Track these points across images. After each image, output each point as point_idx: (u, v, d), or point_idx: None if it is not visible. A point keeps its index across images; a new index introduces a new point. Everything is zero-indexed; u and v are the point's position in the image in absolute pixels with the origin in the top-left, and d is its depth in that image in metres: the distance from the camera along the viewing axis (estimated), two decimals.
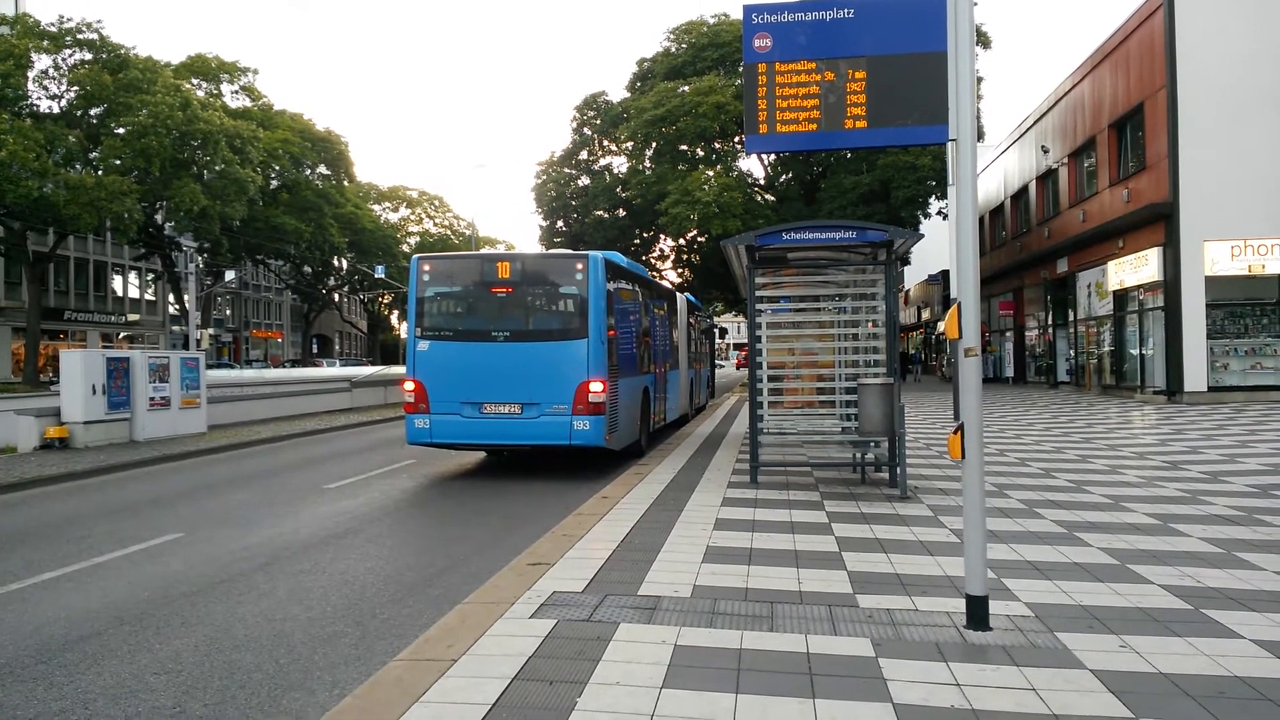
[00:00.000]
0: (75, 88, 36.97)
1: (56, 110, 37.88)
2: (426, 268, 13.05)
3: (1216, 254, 22.03)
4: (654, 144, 35.35)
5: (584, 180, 41.80)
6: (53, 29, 36.65)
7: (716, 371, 35.30)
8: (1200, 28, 22.01)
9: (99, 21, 37.22)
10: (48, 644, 5.62)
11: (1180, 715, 3.86)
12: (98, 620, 6.10)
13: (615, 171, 41.28)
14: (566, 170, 42.16)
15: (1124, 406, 22.14)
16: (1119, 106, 25.41)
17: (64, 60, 37.16)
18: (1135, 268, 24.32)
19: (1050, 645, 4.69)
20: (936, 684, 4.18)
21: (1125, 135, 25.72)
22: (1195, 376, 22.16)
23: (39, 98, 37.71)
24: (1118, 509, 8.56)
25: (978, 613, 4.92)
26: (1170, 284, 22.49)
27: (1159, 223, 22.74)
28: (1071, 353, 30.61)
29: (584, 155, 42.44)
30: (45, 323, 44.37)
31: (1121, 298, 25.94)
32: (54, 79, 37.39)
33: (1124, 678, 4.24)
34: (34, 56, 36.23)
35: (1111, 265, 25.91)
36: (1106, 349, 27.41)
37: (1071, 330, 30.50)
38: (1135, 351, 25.30)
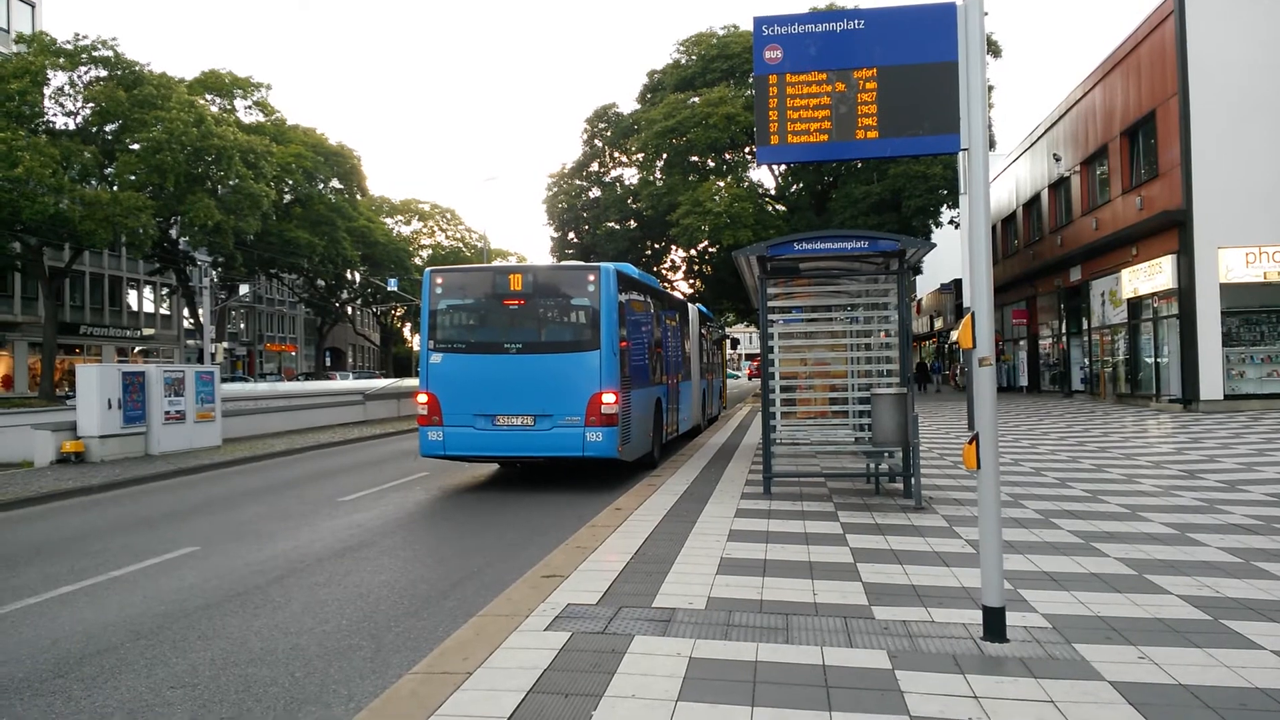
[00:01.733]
0: (91, 104, 37.38)
1: (72, 127, 38.29)
2: (439, 280, 13.10)
3: (1231, 261, 21.90)
4: (665, 155, 35.49)
5: (595, 192, 41.96)
6: (69, 47, 37.05)
7: (729, 382, 35.27)
8: (1212, 34, 21.93)
9: (114, 39, 37.65)
10: (65, 658, 5.65)
11: None
12: (114, 634, 6.12)
13: (626, 183, 41.42)
14: (577, 182, 42.33)
15: (1139, 415, 22.00)
16: (1131, 114, 25.33)
17: (79, 77, 37.56)
18: (1149, 275, 24.19)
19: (1068, 657, 4.66)
20: (953, 696, 4.16)
21: (1138, 142, 25.62)
22: (1211, 384, 21.99)
23: (55, 114, 38.15)
24: (1135, 519, 8.50)
25: (994, 624, 4.89)
26: (1185, 291, 22.36)
27: (1173, 230, 22.62)
28: (1086, 361, 30.45)
29: (595, 167, 42.61)
30: (61, 337, 44.71)
31: (1136, 305, 25.80)
32: (70, 96, 37.80)
33: (1143, 689, 4.21)
34: (50, 74, 36.66)
35: (1125, 273, 25.78)
36: (1121, 357, 27.25)
37: (1086, 339, 30.35)
38: (1150, 360, 25.14)
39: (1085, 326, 30.21)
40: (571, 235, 41.88)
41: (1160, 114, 23.37)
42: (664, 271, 43.41)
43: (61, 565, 8.39)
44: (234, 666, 5.39)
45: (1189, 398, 22.28)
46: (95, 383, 16.71)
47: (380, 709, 4.21)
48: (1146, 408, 24.03)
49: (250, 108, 49.12)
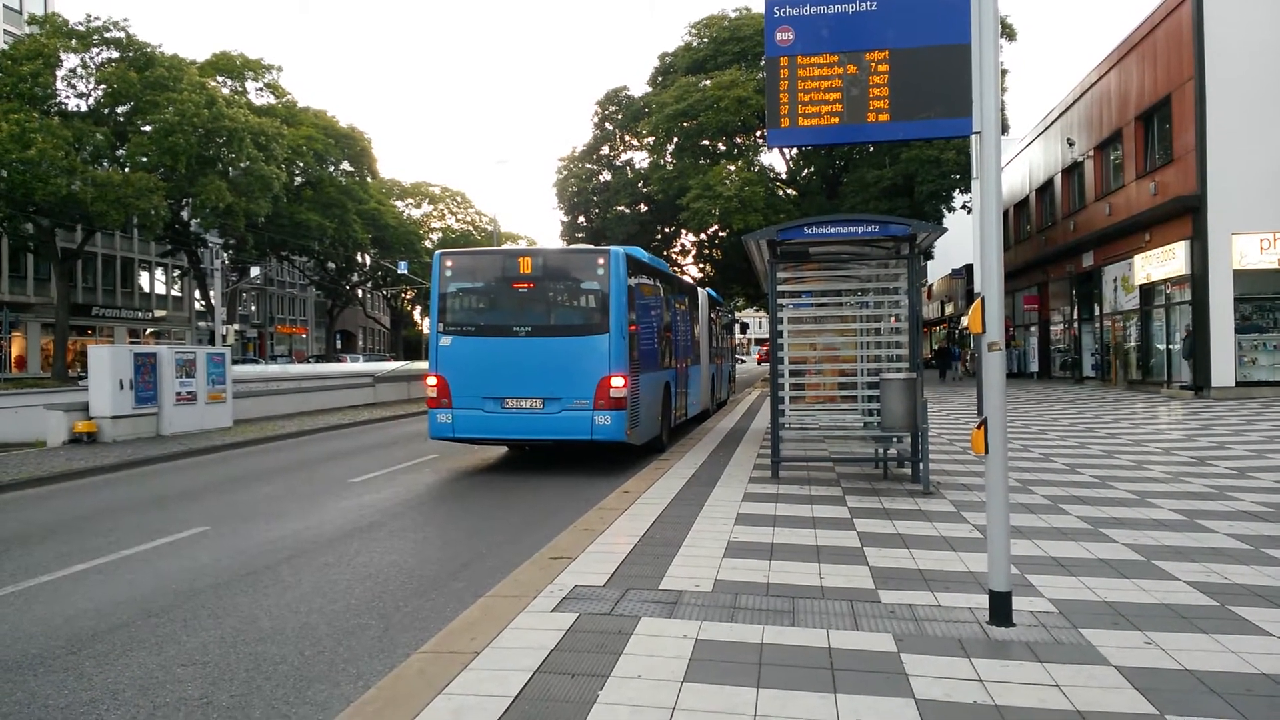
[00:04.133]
0: (103, 86, 37.43)
1: (84, 108, 38.36)
2: (449, 263, 13.10)
3: (1245, 247, 21.74)
4: (675, 139, 35.35)
5: (605, 175, 41.85)
6: (80, 28, 37.11)
7: (738, 366, 35.24)
8: (1229, 18, 21.70)
9: (125, 20, 37.73)
10: (78, 635, 5.71)
11: (1206, 712, 3.82)
12: (126, 612, 6.18)
13: (636, 166, 41.32)
14: (588, 165, 42.21)
15: (1150, 401, 21.92)
16: (1146, 98, 25.11)
17: (92, 59, 37.62)
18: (1162, 261, 24.05)
19: (1074, 641, 4.66)
20: (959, 679, 4.17)
21: (1152, 127, 25.41)
22: (1223, 371, 21.89)
23: (67, 96, 38.22)
24: (1144, 505, 8.49)
25: (1001, 608, 4.90)
26: (1198, 278, 22.22)
27: (1186, 216, 22.47)
28: (1097, 347, 30.33)
29: (605, 150, 42.48)
30: (74, 319, 44.97)
31: (1148, 292, 25.66)
32: (82, 77, 37.87)
33: (1149, 674, 4.21)
34: (62, 55, 36.73)
35: (1138, 259, 25.62)
36: (1133, 343, 27.13)
37: (1097, 324, 30.21)
38: (1162, 346, 25.03)
39: (1097, 312, 30.07)
40: (581, 219, 41.80)
41: (1175, 99, 23.17)
42: (674, 255, 43.37)
43: (74, 544, 8.46)
44: (244, 644, 5.43)
45: (1200, 384, 22.17)
46: (107, 364, 16.80)
47: (388, 687, 4.25)
48: (1158, 394, 23.92)
49: (261, 90, 49.15)
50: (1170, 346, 24.36)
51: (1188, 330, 22.84)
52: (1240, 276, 21.85)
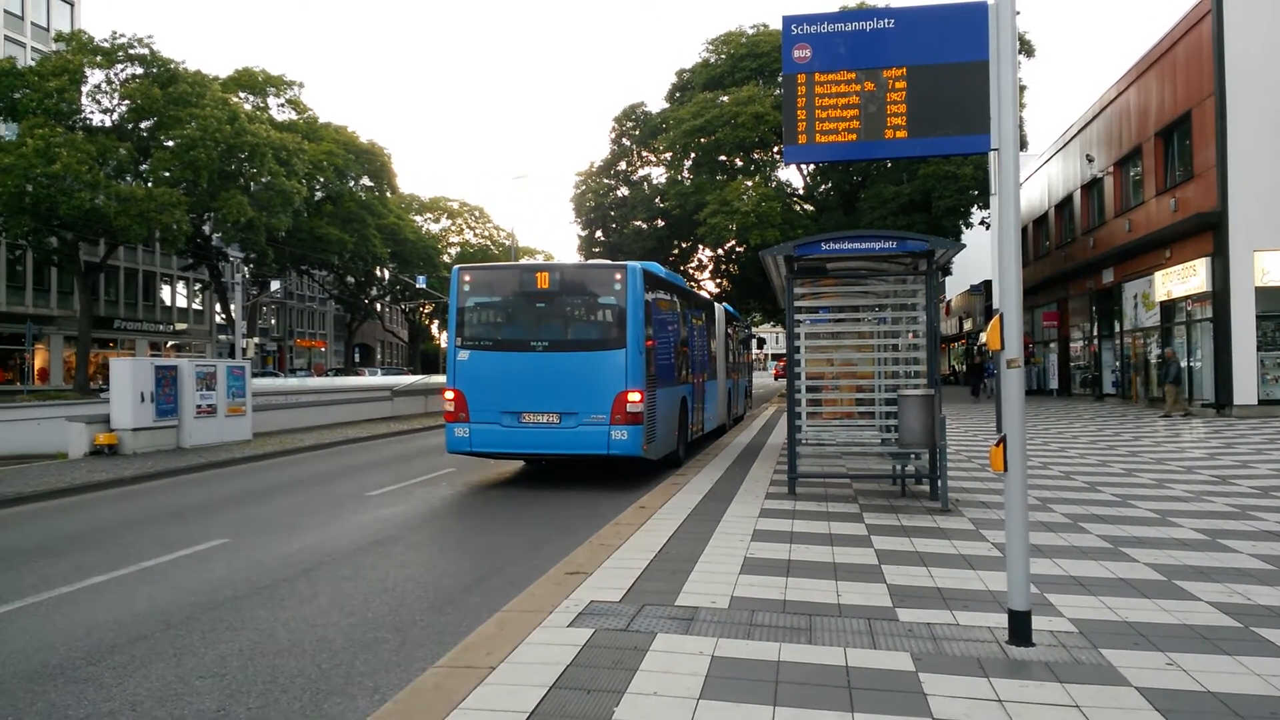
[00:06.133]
0: (126, 101, 37.92)
1: (108, 124, 38.88)
2: (467, 278, 13.17)
3: (1267, 264, 21.54)
4: (693, 154, 35.44)
5: (623, 191, 41.97)
6: (106, 45, 37.64)
7: (754, 382, 35.17)
8: (1249, 34, 21.57)
9: (150, 37, 38.17)
10: (97, 646, 5.74)
11: None
12: (145, 624, 6.22)
13: (654, 182, 41.43)
14: (605, 181, 42.35)
15: (1171, 419, 21.70)
16: (1166, 114, 24.98)
17: (116, 75, 38.15)
18: (1183, 278, 23.85)
19: (1095, 662, 4.61)
20: (977, 699, 4.13)
21: (1172, 143, 25.26)
22: (1245, 389, 21.66)
23: (92, 111, 38.77)
24: (1165, 524, 8.40)
25: (1020, 628, 4.86)
26: (1219, 295, 22.03)
27: (1207, 232, 22.30)
28: (1117, 364, 30.09)
29: (623, 166, 42.62)
30: (96, 331, 45.40)
31: (1169, 309, 25.43)
32: (106, 93, 38.38)
33: (1171, 696, 4.16)
34: (88, 72, 37.28)
35: (1159, 275, 25.44)
36: (1154, 361, 26.88)
37: (1117, 341, 29.97)
38: (1183, 363, 24.78)
39: (1117, 329, 29.84)
40: (599, 234, 41.92)
41: (1196, 115, 23.03)
42: (691, 271, 43.40)
43: (94, 555, 8.53)
44: (262, 657, 5.45)
45: (1222, 402, 21.95)
46: (128, 376, 16.95)
47: (405, 701, 4.25)
48: (1179, 411, 23.67)
49: (283, 105, 49.67)
50: (1192, 364, 24.13)
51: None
52: (1262, 294, 21.62)
